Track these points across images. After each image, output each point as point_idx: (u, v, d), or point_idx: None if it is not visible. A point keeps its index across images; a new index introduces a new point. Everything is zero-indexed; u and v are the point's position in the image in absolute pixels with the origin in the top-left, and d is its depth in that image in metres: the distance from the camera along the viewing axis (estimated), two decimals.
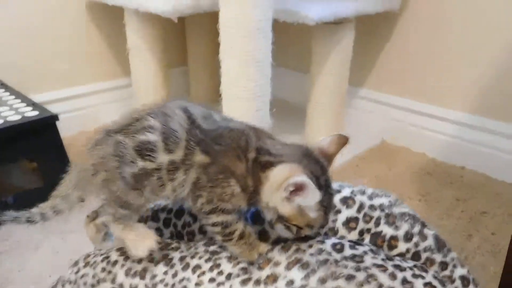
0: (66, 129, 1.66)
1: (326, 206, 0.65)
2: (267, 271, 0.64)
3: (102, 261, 0.76)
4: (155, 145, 0.67)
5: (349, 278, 0.60)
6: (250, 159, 0.66)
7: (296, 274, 0.62)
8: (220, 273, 0.67)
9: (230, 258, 0.69)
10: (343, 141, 0.70)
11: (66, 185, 0.76)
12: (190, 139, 0.66)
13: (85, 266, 0.78)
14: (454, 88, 1.71)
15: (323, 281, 0.60)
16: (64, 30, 1.87)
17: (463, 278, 0.67)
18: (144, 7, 1.49)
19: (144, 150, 0.67)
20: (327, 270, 0.61)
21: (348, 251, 0.64)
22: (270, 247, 0.68)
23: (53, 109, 1.44)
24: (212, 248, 0.72)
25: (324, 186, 0.64)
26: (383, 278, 0.60)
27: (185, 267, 0.70)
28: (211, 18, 1.35)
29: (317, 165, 0.65)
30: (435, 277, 0.63)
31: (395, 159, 1.78)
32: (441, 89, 1.75)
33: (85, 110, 1.95)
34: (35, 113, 1.35)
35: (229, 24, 1.23)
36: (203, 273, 0.68)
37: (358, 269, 0.61)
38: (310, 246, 0.66)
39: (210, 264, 0.69)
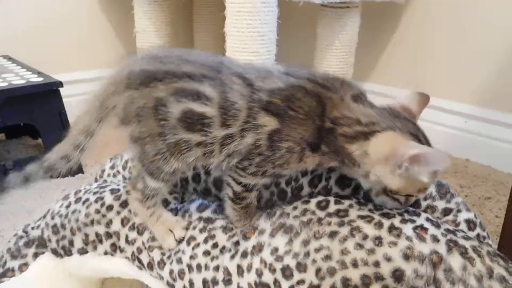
0: (73, 113, 1.68)
1: None
2: (252, 241, 0.63)
3: (96, 201, 0.75)
4: (212, 121, 0.58)
5: (332, 235, 0.57)
6: (328, 128, 0.58)
7: (280, 240, 0.60)
8: (215, 245, 0.66)
9: (225, 229, 0.67)
10: (425, 99, 0.64)
11: (86, 119, 0.65)
12: (252, 106, 0.58)
13: (76, 202, 0.76)
14: (458, 80, 1.63)
15: (306, 243, 0.58)
16: (75, 14, 1.88)
17: (468, 221, 0.63)
18: None
19: (197, 124, 0.58)
20: (309, 231, 0.59)
21: (332, 207, 0.61)
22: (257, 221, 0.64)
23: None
24: (205, 214, 0.70)
25: (426, 142, 0.58)
26: (368, 228, 0.57)
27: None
28: (219, 5, 1.34)
29: (410, 123, 0.59)
30: (427, 219, 0.59)
31: None
32: (445, 81, 1.68)
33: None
34: (40, 79, 1.40)
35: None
36: (198, 245, 0.67)
37: (341, 224, 0.58)
38: (295, 208, 0.63)
39: (204, 235, 0.67)
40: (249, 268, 0.61)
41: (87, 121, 0.65)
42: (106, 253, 0.73)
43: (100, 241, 0.73)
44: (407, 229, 0.56)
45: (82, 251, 0.75)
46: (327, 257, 0.56)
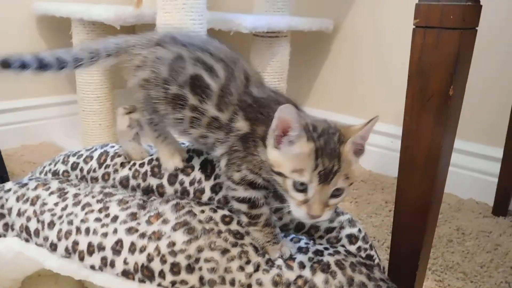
0: (8, 141, 1.70)
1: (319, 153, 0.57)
2: (154, 227, 0.67)
3: None
4: (212, 95, 0.65)
5: (224, 252, 0.65)
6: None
7: (180, 237, 0.65)
8: (107, 215, 0.70)
9: (120, 202, 0.71)
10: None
11: (99, 46, 0.69)
12: (238, 104, 0.65)
13: None
14: (384, 103, 1.78)
15: (200, 250, 0.64)
16: (12, 42, 1.76)
17: (350, 236, 0.72)
18: (88, 15, 1.47)
19: (200, 89, 0.65)
20: (207, 240, 0.65)
21: (234, 226, 0.68)
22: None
23: None
24: (107, 190, 0.74)
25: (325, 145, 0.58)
26: (252, 256, 0.65)
27: (76, 203, 0.72)
28: None
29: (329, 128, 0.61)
30: (299, 248, 0.68)
31: None
32: (373, 104, 1.83)
33: (29, 124, 1.86)
34: None
35: (164, 28, 1.23)
36: (92, 211, 0.70)
37: (235, 245, 0.66)
38: (202, 212, 0.69)
39: (100, 205, 0.71)
40: (142, 249, 0.66)
41: (99, 47, 0.69)
42: None
43: None
44: (279, 260, 0.66)
45: None
46: (213, 270, 0.64)
